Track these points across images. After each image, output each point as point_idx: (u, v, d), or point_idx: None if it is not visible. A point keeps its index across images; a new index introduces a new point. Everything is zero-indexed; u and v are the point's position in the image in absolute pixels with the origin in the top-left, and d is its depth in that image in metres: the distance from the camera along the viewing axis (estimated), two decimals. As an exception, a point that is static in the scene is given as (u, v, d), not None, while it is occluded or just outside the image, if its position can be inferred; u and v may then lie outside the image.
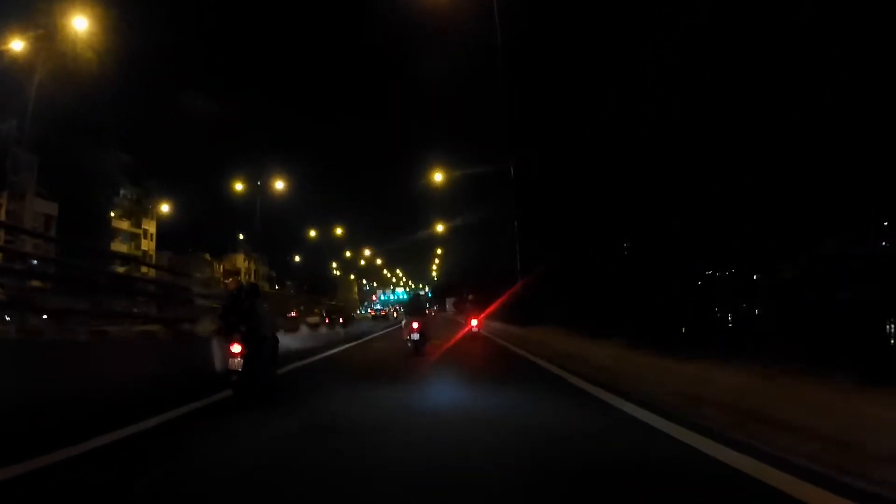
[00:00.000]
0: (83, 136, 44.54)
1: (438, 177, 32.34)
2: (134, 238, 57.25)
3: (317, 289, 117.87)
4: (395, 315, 50.18)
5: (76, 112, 38.75)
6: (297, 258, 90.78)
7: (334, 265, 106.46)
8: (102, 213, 48.25)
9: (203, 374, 7.24)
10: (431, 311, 55.47)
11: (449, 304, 58.75)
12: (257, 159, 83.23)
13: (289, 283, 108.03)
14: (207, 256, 69.49)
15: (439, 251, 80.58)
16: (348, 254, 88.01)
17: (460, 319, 30.51)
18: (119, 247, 52.77)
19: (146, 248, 57.64)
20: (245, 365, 6.03)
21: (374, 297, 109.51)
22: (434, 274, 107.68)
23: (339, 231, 62.38)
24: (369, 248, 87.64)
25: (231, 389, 6.06)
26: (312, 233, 62.04)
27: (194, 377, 7.07)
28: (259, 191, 40.79)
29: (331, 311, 38.11)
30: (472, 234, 40.45)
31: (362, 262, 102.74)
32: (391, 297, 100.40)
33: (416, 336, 12.55)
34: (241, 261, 78.80)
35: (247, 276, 79.29)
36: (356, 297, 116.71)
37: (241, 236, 69.62)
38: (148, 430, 4.42)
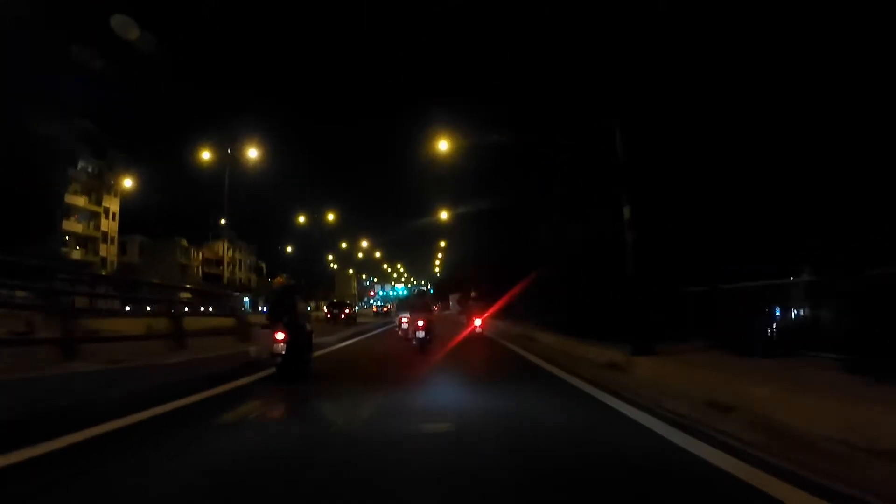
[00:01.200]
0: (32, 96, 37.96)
1: (444, 145, 25.60)
2: (93, 217, 50.93)
3: (311, 283, 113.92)
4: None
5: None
6: (289, 249, 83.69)
7: (330, 258, 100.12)
8: (54, 192, 41.74)
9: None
10: (435, 308, 51.45)
11: (452, 301, 52.17)
12: (242, 135, 77.13)
13: (285, 276, 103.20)
14: (184, 242, 63.23)
15: (443, 244, 74.09)
16: (344, 245, 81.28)
17: (464, 319, 26.40)
18: (74, 227, 46.39)
19: (107, 230, 51.29)
20: (287, 349, 7.69)
21: (371, 294, 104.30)
22: (436, 269, 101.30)
23: (332, 217, 54.84)
24: (367, 240, 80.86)
25: (276, 368, 7.79)
26: (302, 218, 54.73)
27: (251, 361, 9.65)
28: (229, 160, 34.14)
29: (333, 306, 37.46)
30: (481, 221, 36.21)
31: (360, 255, 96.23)
32: (390, 293, 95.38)
33: (421, 334, 12.42)
34: (223, 248, 72.34)
35: (230, 267, 73.14)
36: (355, 292, 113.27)
37: (224, 221, 63.07)
38: (234, 388, 7.20)
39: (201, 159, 35.35)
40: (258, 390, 7.12)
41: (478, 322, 19.41)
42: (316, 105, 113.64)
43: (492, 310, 23.06)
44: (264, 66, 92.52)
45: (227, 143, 36.64)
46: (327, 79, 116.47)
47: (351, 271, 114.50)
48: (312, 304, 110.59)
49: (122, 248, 61.99)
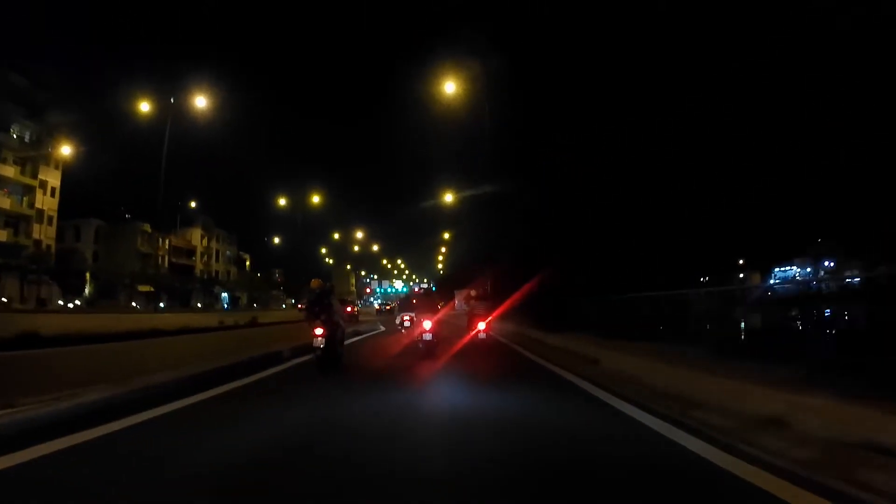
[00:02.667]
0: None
1: (450, 86, 23.33)
2: (28, 191, 42.50)
3: (301, 278, 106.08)
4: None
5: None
6: (276, 240, 74.74)
7: (324, 251, 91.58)
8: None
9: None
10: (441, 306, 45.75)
11: (459, 299, 43.61)
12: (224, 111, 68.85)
13: (277, 271, 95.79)
14: (147, 228, 54.77)
15: (446, 235, 65.78)
16: (336, 235, 72.93)
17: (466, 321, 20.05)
18: (2, 202, 37.98)
19: (43, 207, 42.86)
20: (325, 343, 9.02)
21: (367, 290, 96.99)
22: (439, 266, 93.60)
23: (318, 200, 46.44)
24: (362, 231, 72.40)
25: (315, 357, 9.20)
26: (283, 201, 46.40)
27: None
28: (171, 109, 26.00)
29: (311, 300, 30.30)
30: (489, 208, 34.00)
31: (355, 248, 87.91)
32: (388, 290, 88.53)
33: (428, 336, 11.52)
34: (197, 237, 64.03)
35: (205, 257, 64.88)
36: (353, 289, 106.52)
37: (194, 204, 54.64)
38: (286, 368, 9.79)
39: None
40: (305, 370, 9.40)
41: (481, 325, 15.12)
42: (305, 89, 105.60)
43: (499, 310, 19.32)
44: (241, 34, 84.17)
45: (172, 93, 28.56)
46: (318, 63, 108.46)
47: (349, 267, 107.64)
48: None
49: (77, 234, 53.83)
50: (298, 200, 50.33)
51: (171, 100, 28.93)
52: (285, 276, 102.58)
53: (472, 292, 19.95)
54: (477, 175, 32.68)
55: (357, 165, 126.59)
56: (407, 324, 15.89)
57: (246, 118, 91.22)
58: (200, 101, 29.30)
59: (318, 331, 8.91)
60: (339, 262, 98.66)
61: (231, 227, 71.91)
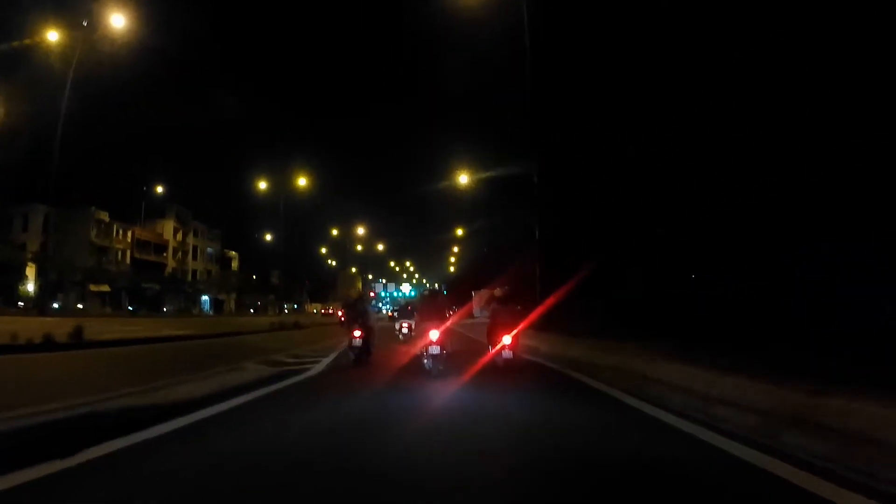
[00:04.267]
0: None
1: None
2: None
3: (300, 281, 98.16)
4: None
5: None
6: (268, 237, 65.97)
7: (323, 251, 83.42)
8: None
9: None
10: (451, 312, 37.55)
11: (477, 302, 34.32)
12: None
13: (274, 273, 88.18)
14: (103, 216, 46.59)
15: (459, 232, 57.48)
16: (335, 232, 64.67)
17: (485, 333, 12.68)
18: None
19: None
20: (361, 343, 10.42)
21: (372, 294, 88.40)
22: (451, 267, 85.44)
23: (315, 192, 37.91)
24: (364, 226, 63.89)
25: (353, 353, 10.45)
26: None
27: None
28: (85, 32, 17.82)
29: (348, 305, 27.60)
30: (513, 194, 29.86)
31: (359, 248, 79.65)
32: (395, 293, 79.93)
33: (434, 350, 9.13)
34: (169, 230, 55.67)
35: (179, 254, 56.59)
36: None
37: (161, 189, 46.21)
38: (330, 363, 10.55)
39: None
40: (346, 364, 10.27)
41: (507, 340, 10.05)
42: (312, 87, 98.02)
43: (529, 319, 13.03)
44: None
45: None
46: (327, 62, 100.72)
47: (354, 269, 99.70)
48: (319, 306, 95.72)
49: (24, 223, 45.87)
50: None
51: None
52: (283, 278, 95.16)
53: (497, 291, 14.23)
54: (501, 154, 29.20)
55: (360, 154, 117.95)
56: (405, 331, 15.06)
57: (235, 102, 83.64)
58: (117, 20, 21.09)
59: (357, 332, 10.45)
60: (343, 264, 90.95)
61: (215, 222, 63.73)
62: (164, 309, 50.47)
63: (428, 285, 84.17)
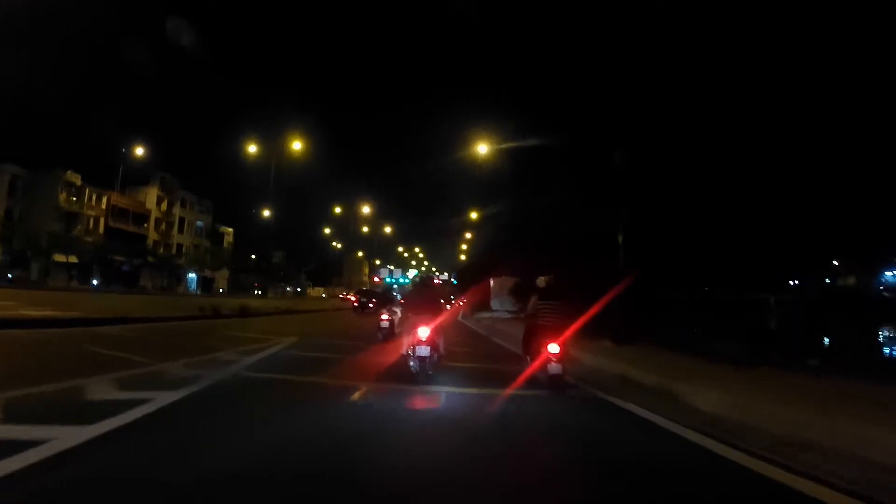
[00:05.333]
0: None
1: None
2: None
3: (303, 263, 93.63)
4: None
5: None
6: (265, 213, 60.58)
7: (327, 231, 78.45)
8: None
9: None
10: (456, 302, 37.42)
11: (497, 290, 28.73)
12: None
13: (276, 255, 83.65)
14: (75, 178, 41.63)
15: (473, 216, 52.03)
16: (338, 209, 59.47)
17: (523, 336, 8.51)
18: None
19: None
20: (388, 326, 12.57)
21: (376, 280, 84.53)
22: (462, 255, 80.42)
23: (299, 147, 32.53)
24: (369, 204, 58.60)
25: (381, 334, 12.51)
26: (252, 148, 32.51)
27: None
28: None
29: (362, 294, 34.95)
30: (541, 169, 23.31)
31: (364, 229, 74.60)
32: (401, 280, 75.31)
33: (422, 351, 7.46)
34: (153, 198, 50.62)
35: (163, 226, 51.67)
36: (366, 278, 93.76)
37: (141, 150, 40.85)
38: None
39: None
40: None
41: (553, 348, 7.11)
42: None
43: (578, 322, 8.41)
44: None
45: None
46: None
47: (360, 254, 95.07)
48: (322, 290, 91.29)
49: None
50: (295, 167, 36.52)
51: None
52: (286, 259, 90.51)
53: (541, 280, 8.81)
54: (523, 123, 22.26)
55: (368, 125, 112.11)
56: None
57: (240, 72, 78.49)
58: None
59: (385, 317, 12.76)
60: (349, 247, 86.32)
61: (207, 193, 58.64)
62: (139, 286, 45.63)
63: (436, 271, 79.35)
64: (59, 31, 43.15)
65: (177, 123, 72.82)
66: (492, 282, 28.73)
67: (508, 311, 24.80)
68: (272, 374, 6.68)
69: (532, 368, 7.30)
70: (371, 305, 28.12)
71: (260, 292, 57.80)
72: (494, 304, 27.39)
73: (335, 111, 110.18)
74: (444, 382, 7.17)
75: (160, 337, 10.35)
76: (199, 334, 11.43)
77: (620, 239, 12.82)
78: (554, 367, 6.84)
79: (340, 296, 68.22)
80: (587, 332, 11.83)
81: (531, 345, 7.64)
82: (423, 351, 7.36)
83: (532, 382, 7.07)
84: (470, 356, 10.97)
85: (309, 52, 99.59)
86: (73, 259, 40.70)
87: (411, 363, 7.56)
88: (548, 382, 6.81)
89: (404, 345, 8.23)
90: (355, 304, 32.80)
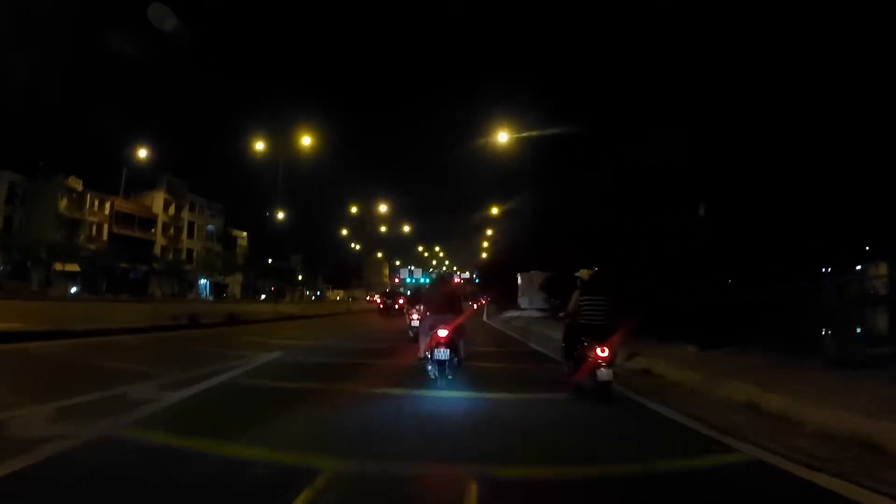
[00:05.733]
0: None
1: None
2: None
3: (315, 266, 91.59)
4: None
5: None
6: (279, 215, 58.36)
7: (344, 232, 76.38)
8: None
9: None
10: (476, 303, 38.94)
11: (525, 287, 25.80)
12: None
13: (294, 257, 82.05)
14: (76, 184, 39.97)
15: (495, 210, 49.43)
16: (355, 209, 57.12)
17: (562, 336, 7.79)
18: None
19: None
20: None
21: (396, 280, 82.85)
22: (483, 253, 78.16)
23: (310, 142, 30.19)
24: (387, 203, 56.13)
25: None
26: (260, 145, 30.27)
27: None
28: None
29: (387, 296, 35.15)
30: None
31: (383, 229, 72.54)
32: (422, 280, 73.15)
33: (441, 354, 7.08)
34: (159, 203, 48.85)
35: (171, 231, 49.92)
36: (386, 279, 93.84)
37: (144, 152, 38.90)
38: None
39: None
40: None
41: (602, 352, 6.28)
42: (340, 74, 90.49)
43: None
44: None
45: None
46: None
47: (380, 255, 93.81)
48: (342, 292, 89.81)
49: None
50: (310, 167, 34.20)
51: None
52: (303, 263, 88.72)
53: (583, 272, 7.30)
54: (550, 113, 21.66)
55: (383, 118, 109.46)
56: (441, 355, 7.95)
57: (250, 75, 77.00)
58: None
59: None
60: (368, 247, 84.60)
61: (218, 196, 56.77)
62: (148, 293, 43.82)
63: (457, 270, 76.95)
64: (57, 32, 41.50)
65: (186, 126, 71.42)
66: (519, 278, 25.80)
67: (539, 310, 21.96)
68: (181, 440, 4.00)
69: (578, 377, 6.44)
70: (397, 307, 27.67)
71: (265, 296, 55.80)
72: (523, 301, 24.53)
73: (349, 109, 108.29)
74: (471, 388, 6.73)
75: (68, 358, 7.85)
76: (138, 353, 8.89)
77: (702, 230, 10.16)
78: (603, 374, 6.09)
79: (368, 298, 67.05)
80: (647, 335, 9.91)
81: (573, 347, 6.91)
82: (442, 354, 6.94)
83: (579, 393, 6.36)
84: (497, 358, 10.51)
85: (321, 46, 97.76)
86: (74, 268, 38.97)
87: (429, 367, 7.15)
88: (596, 391, 6.12)
89: (421, 347, 7.74)
90: (381, 306, 32.50)
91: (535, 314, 20.87)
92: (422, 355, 7.57)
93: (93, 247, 40.38)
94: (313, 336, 14.02)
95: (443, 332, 7.07)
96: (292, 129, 33.01)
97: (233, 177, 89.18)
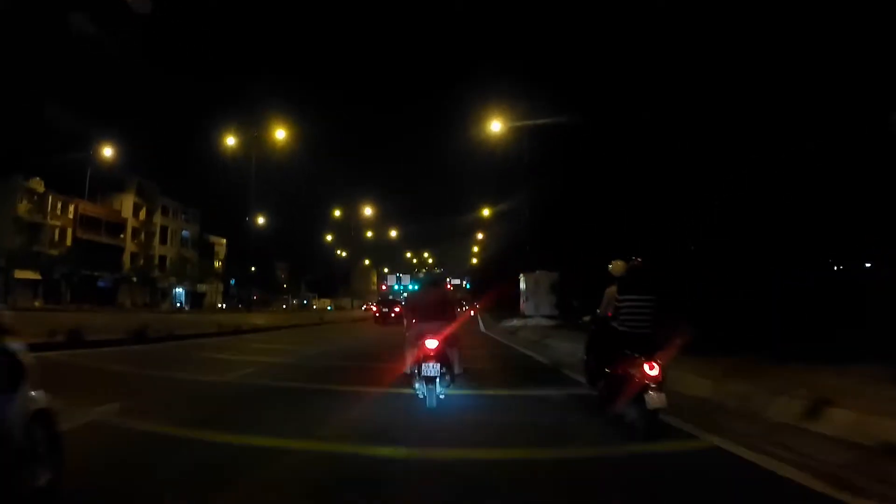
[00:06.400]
0: None
1: None
2: None
3: (302, 272, 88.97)
4: None
5: None
6: (259, 220, 55.57)
7: (329, 238, 74.67)
8: None
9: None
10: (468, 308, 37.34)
11: (531, 291, 23.11)
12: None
13: (280, 265, 79.48)
14: (37, 185, 37.36)
15: (486, 212, 48.40)
16: (337, 212, 55.16)
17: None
18: None
19: None
20: None
21: (383, 287, 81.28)
22: (474, 259, 77.62)
23: (283, 136, 28.11)
24: (370, 205, 54.20)
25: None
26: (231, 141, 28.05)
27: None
28: None
29: (383, 303, 34.45)
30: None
31: (369, 234, 70.96)
32: (410, 286, 71.25)
33: (430, 369, 6.11)
34: (129, 206, 46.15)
35: (142, 236, 47.27)
36: (375, 287, 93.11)
37: (109, 151, 36.22)
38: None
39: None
40: None
41: (650, 370, 4.88)
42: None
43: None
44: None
45: None
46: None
47: (367, 262, 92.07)
48: (329, 301, 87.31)
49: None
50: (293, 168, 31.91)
51: None
52: (289, 271, 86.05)
53: (619, 266, 5.99)
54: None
55: (371, 116, 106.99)
56: (430, 370, 6.52)
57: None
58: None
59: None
60: (354, 254, 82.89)
61: (193, 200, 54.09)
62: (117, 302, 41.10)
63: (442, 272, 75.23)
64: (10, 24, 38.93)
65: (159, 126, 68.35)
66: (522, 280, 23.28)
67: (547, 317, 19.72)
68: None
69: (620, 398, 5.01)
70: (394, 315, 27.47)
71: (242, 305, 52.90)
72: (528, 307, 21.99)
73: (331, 108, 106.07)
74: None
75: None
76: None
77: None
78: (653, 399, 4.69)
79: (364, 307, 66.10)
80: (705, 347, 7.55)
81: (606, 363, 5.64)
82: (432, 369, 6.06)
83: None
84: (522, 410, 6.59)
85: (301, 40, 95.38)
86: (34, 275, 36.23)
87: (416, 385, 6.32)
88: (642, 423, 4.73)
89: (407, 361, 6.77)
90: (377, 315, 32.05)
91: (544, 322, 18.66)
92: (407, 370, 6.64)
93: (55, 252, 37.65)
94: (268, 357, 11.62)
95: (432, 343, 6.24)
96: (271, 130, 31.01)
97: (211, 181, 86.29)
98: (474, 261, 75.36)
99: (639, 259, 5.70)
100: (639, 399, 4.75)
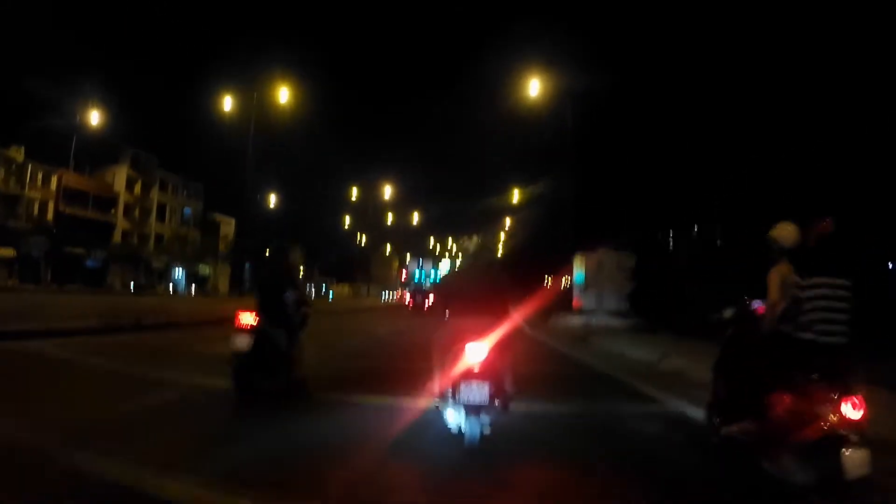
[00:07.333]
0: None
1: None
2: None
3: (316, 258, 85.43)
4: None
5: None
6: (270, 200, 51.38)
7: (347, 221, 70.61)
8: None
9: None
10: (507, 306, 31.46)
11: (593, 277, 17.28)
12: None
13: (295, 247, 76.01)
14: (19, 156, 33.80)
15: (517, 194, 43.30)
16: (357, 194, 51.26)
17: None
18: None
19: None
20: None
21: (403, 274, 77.93)
22: (500, 246, 72.55)
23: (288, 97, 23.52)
24: (394, 189, 50.25)
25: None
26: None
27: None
28: None
29: (416, 293, 34.48)
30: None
31: (389, 219, 67.36)
32: (434, 273, 67.49)
33: (473, 392, 4.06)
34: (121, 179, 42.34)
35: (136, 213, 43.55)
36: (395, 274, 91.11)
37: (97, 116, 32.37)
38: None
39: None
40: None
41: (851, 412, 2.98)
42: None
43: None
44: None
45: None
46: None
47: (389, 247, 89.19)
48: (347, 287, 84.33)
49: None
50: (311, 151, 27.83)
51: None
52: (309, 256, 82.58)
53: (790, 231, 3.80)
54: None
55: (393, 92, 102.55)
56: (472, 396, 4.05)
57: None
58: None
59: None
60: (374, 238, 77.37)
61: (197, 175, 50.10)
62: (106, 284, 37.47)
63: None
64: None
65: (161, 94, 64.81)
66: (580, 262, 17.38)
67: (613, 314, 14.62)
68: None
69: (786, 449, 3.18)
70: (430, 306, 26.88)
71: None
72: (587, 299, 16.65)
73: (351, 87, 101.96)
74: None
75: None
76: None
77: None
78: (856, 459, 2.95)
79: (397, 295, 66.08)
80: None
81: (756, 388, 3.61)
82: (477, 394, 3.96)
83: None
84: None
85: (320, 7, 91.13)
86: (9, 252, 32.67)
87: (448, 414, 4.20)
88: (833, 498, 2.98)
89: (436, 381, 4.52)
90: (411, 305, 32.54)
91: (615, 322, 13.65)
92: (438, 394, 4.39)
93: (31, 227, 34.14)
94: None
95: (477, 352, 4.05)
96: (287, 102, 26.69)
97: (217, 154, 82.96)
98: (501, 249, 70.87)
99: (828, 220, 3.69)
100: (824, 455, 3.00)
